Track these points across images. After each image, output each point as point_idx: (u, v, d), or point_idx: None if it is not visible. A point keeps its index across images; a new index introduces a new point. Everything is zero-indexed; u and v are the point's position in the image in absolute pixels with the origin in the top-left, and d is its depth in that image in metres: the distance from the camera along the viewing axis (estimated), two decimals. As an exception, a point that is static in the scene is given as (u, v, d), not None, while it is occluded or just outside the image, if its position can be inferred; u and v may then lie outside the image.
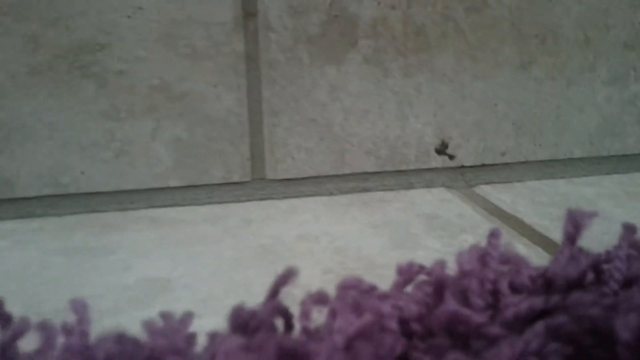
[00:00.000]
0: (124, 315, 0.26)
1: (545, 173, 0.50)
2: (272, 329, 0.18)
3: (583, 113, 0.50)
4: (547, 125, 0.49)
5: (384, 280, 0.31)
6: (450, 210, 0.42)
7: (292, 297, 0.28)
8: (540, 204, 0.44)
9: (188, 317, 0.18)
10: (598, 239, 0.37)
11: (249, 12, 0.40)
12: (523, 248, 0.36)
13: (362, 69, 0.43)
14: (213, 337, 0.17)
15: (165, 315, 0.18)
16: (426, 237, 0.37)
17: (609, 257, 0.24)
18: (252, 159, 0.42)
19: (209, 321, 0.25)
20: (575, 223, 0.24)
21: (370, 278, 0.31)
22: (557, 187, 0.48)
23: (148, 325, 0.17)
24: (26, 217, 0.39)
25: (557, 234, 0.38)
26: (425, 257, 0.34)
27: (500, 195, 0.46)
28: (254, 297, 0.24)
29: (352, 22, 0.42)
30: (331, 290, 0.25)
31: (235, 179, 0.42)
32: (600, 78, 0.49)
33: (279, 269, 0.32)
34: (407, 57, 0.44)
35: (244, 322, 0.18)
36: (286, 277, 0.20)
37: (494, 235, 0.23)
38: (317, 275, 0.31)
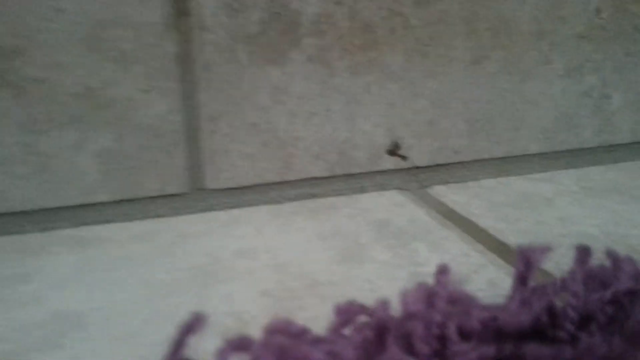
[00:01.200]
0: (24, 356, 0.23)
1: (501, 170, 0.48)
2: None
3: (538, 107, 0.48)
4: (502, 121, 0.47)
5: (327, 300, 0.29)
6: (402, 215, 0.40)
7: (224, 327, 0.25)
8: (496, 205, 0.42)
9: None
10: (557, 240, 0.36)
11: (181, 11, 0.37)
12: (478, 256, 0.34)
13: (306, 68, 0.40)
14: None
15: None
16: (375, 247, 0.35)
17: (564, 286, 0.22)
18: (190, 169, 0.39)
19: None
20: (526, 261, 0.22)
21: (311, 299, 0.29)
22: (513, 185, 0.46)
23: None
24: (-62, 242, 0.35)
25: (513, 238, 0.36)
26: (373, 271, 0.32)
27: (455, 196, 0.44)
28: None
29: (295, 20, 0.39)
30: (264, 319, 0.22)
31: (172, 190, 0.39)
32: (555, 71, 0.48)
33: (212, 293, 0.29)
34: (354, 55, 0.41)
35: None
36: (192, 326, 0.17)
37: (442, 272, 0.21)
38: (253, 299, 0.28)
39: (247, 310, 0.27)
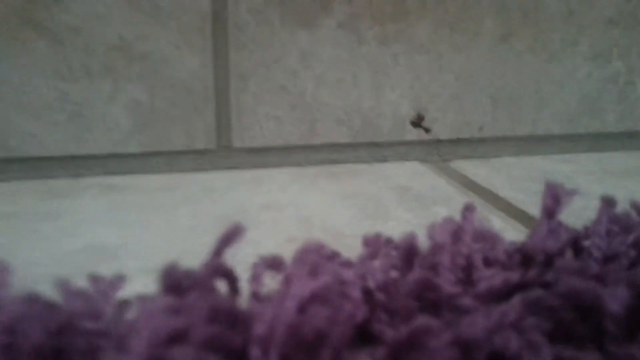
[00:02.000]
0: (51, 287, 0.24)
1: (522, 149, 0.49)
2: (211, 290, 0.16)
3: (563, 89, 0.48)
4: (526, 100, 0.47)
5: (352, 251, 0.29)
6: (423, 183, 0.40)
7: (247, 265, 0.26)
8: (516, 179, 0.42)
9: (118, 280, 0.16)
10: (577, 214, 0.36)
11: (216, -31, 0.38)
12: (499, 221, 0.34)
13: (336, 35, 0.41)
14: (142, 300, 0.15)
15: (93, 279, 0.16)
16: (397, 209, 0.35)
17: (588, 233, 0.23)
18: (217, 126, 0.40)
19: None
20: (554, 196, 0.22)
21: (336, 248, 0.29)
22: (533, 163, 0.47)
23: (64, 286, 0.15)
24: (-29, 182, 0.36)
25: (534, 209, 0.36)
26: (396, 228, 0.32)
27: (476, 169, 0.44)
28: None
29: (327, -15, 0.40)
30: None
31: (199, 146, 0.40)
32: (582, 54, 0.48)
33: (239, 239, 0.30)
34: (383, 24, 0.42)
35: (176, 283, 0.16)
36: (233, 234, 0.17)
37: (468, 209, 0.21)
38: (280, 245, 0.29)
39: (275, 252, 0.28)
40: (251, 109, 0.40)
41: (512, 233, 0.33)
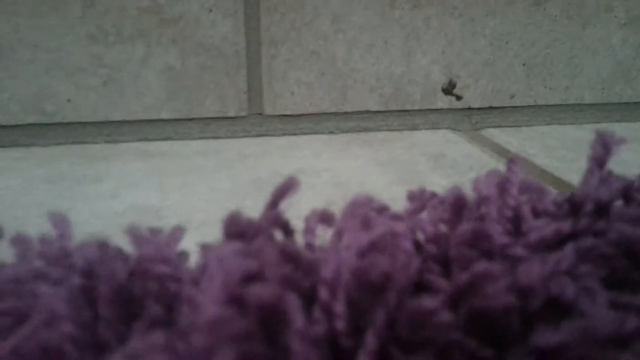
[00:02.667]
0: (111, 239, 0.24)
1: (554, 118, 0.48)
2: (272, 239, 0.16)
3: (597, 56, 0.47)
4: (560, 67, 0.46)
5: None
6: (456, 150, 0.40)
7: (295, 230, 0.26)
8: (550, 147, 0.42)
9: (178, 231, 0.16)
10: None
11: None
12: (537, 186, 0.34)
13: (367, -1, 0.40)
14: (205, 248, 0.15)
15: (153, 231, 0.16)
16: (432, 175, 0.35)
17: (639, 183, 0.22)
18: (249, 93, 0.40)
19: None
20: (604, 144, 0.22)
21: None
22: (566, 132, 0.46)
23: (133, 232, 0.15)
24: (9, 147, 0.36)
25: (571, 176, 0.36)
26: (432, 192, 0.32)
27: (509, 138, 0.44)
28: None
29: (359, -52, 0.39)
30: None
31: (231, 113, 0.39)
32: (617, 19, 0.47)
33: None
34: (415, -12, 0.41)
35: (240, 231, 0.16)
36: (288, 187, 0.17)
37: (513, 162, 0.21)
38: (320, 207, 0.29)
39: (313, 214, 0.28)
40: (282, 75, 0.40)
41: (551, 197, 0.32)
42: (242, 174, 0.33)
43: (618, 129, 0.48)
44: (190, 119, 0.39)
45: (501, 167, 0.37)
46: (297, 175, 0.34)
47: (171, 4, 0.37)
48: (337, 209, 0.29)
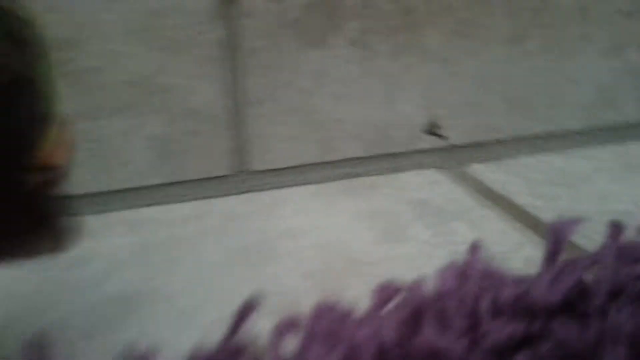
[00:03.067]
0: (98, 338, 0.26)
1: (539, 148, 0.49)
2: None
3: (578, 84, 0.48)
4: (541, 99, 0.47)
5: (370, 280, 0.30)
6: (440, 194, 0.41)
7: (271, 306, 0.27)
8: (534, 182, 0.43)
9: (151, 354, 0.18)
10: (595, 218, 0.37)
11: (226, -2, 0.38)
12: (516, 234, 0.35)
13: (347, 52, 0.41)
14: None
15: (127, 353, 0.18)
16: (415, 227, 0.36)
17: (595, 260, 0.23)
18: (234, 152, 0.41)
19: (189, 336, 0.25)
20: (556, 237, 0.23)
21: (355, 278, 0.30)
22: (551, 162, 0.47)
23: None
24: None
25: (550, 216, 0.37)
26: (413, 250, 0.33)
27: (493, 174, 0.45)
28: (235, 308, 0.23)
29: (337, 4, 0.40)
30: (311, 295, 0.24)
31: (218, 172, 0.41)
32: (596, 48, 0.47)
33: (261, 274, 0.31)
34: (395, 37, 0.42)
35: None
36: (248, 310, 0.19)
37: (474, 249, 0.22)
38: (300, 279, 0.30)
39: (294, 289, 0.29)
40: (266, 132, 0.41)
41: (529, 247, 0.33)
42: (228, 243, 0.34)
43: (604, 153, 0.49)
44: (178, 183, 0.40)
45: (484, 212, 0.38)
46: (281, 238, 0.35)
47: (155, 75, 0.38)
48: (317, 279, 0.30)
